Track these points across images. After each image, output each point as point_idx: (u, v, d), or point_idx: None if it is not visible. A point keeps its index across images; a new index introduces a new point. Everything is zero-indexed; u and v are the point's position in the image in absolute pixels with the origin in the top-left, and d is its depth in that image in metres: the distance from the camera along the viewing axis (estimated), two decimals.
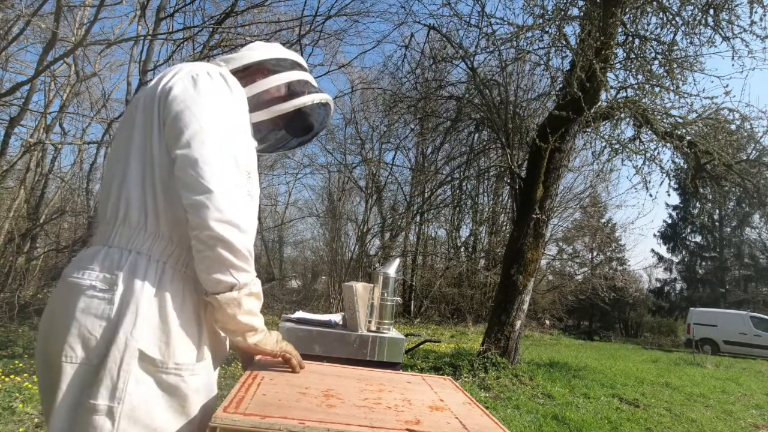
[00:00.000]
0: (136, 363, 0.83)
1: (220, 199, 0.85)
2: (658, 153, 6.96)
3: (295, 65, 1.19)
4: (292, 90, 1.16)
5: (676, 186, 11.33)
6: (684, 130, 6.87)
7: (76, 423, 0.81)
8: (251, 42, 1.23)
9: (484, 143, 11.36)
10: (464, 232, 18.78)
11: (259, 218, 17.23)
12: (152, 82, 1.00)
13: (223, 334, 1.03)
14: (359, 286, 1.81)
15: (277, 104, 1.12)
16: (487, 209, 18.47)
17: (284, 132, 1.21)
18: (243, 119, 0.99)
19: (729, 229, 26.25)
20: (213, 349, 0.99)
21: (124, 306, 0.85)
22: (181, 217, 0.90)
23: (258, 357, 1.16)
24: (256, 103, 1.10)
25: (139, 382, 0.83)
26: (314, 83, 1.22)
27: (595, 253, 22.00)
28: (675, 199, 26.36)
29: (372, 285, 1.89)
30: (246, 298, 0.91)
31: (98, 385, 0.81)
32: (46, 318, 0.91)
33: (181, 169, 0.87)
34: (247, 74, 1.11)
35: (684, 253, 27.62)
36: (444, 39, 8.02)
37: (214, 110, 0.92)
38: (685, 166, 7.76)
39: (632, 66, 6.13)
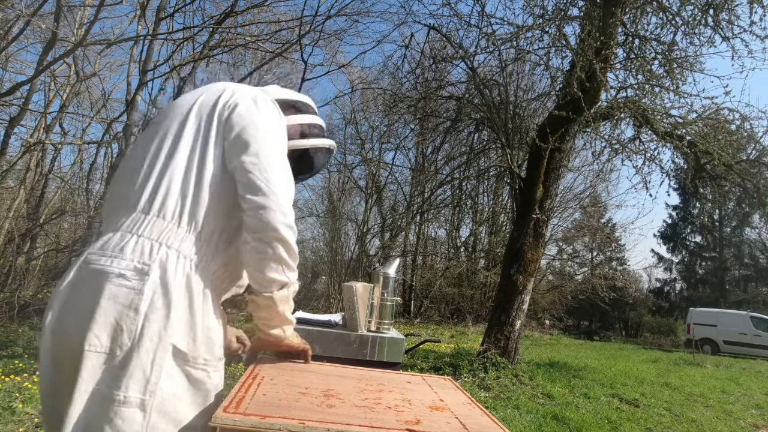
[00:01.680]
0: (170, 357, 0.84)
1: (285, 204, 0.95)
2: (658, 153, 6.97)
3: (312, 110, 1.32)
4: (306, 132, 1.27)
5: (676, 186, 11.35)
6: (684, 130, 6.87)
7: (100, 413, 0.79)
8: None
9: (484, 143, 11.37)
10: (464, 232, 18.82)
11: None
12: (204, 95, 1.06)
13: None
14: (359, 286, 1.81)
15: (294, 140, 1.22)
16: (487, 209, 18.49)
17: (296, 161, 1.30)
18: (285, 141, 1.10)
19: (729, 229, 26.27)
20: (226, 347, 1.04)
21: (157, 299, 0.85)
22: (217, 221, 0.96)
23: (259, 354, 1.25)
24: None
25: (170, 376, 0.84)
26: (324, 129, 1.34)
27: (595, 253, 22.02)
28: (675, 199, 26.40)
29: (372, 285, 1.89)
30: (292, 296, 1.01)
31: (128, 377, 0.80)
32: (62, 305, 0.87)
33: (247, 174, 0.94)
34: (281, 107, 1.19)
35: (684, 253, 27.63)
36: (444, 39, 8.02)
37: (274, 129, 1.03)
38: (685, 166, 7.76)
39: (632, 66, 6.13)
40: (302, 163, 1.26)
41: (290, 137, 1.19)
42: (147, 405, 0.81)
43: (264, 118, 1.02)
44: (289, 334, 1.09)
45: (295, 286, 0.99)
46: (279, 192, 0.94)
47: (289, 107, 1.23)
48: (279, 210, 0.93)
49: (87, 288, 0.86)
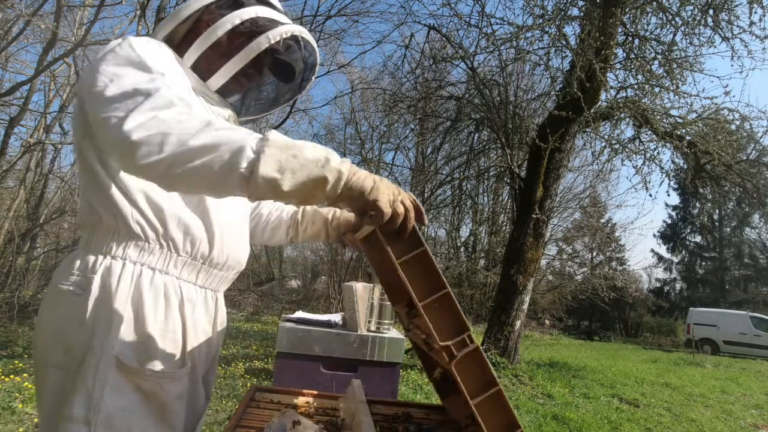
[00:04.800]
0: (113, 370, 0.80)
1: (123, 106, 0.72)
2: (658, 153, 6.97)
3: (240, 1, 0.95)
4: (243, 33, 0.92)
5: (675, 186, 11.37)
6: (684, 130, 6.87)
7: (51, 429, 0.79)
8: None
9: (484, 143, 11.38)
10: (464, 232, 18.79)
11: None
12: None
13: (209, 336, 0.98)
14: (359, 286, 1.81)
15: (229, 60, 0.92)
16: (487, 209, 18.47)
17: (262, 89, 1.05)
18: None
19: (729, 229, 26.27)
20: (197, 352, 0.94)
21: (98, 311, 0.81)
22: (158, 217, 0.86)
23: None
24: (209, 67, 0.93)
25: (115, 389, 0.79)
26: (274, 16, 0.96)
27: (594, 253, 22.00)
28: (675, 199, 26.39)
29: (372, 285, 1.89)
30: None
31: (75, 393, 0.78)
32: (36, 323, 0.89)
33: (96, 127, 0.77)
34: (188, 38, 0.93)
35: (684, 253, 27.64)
36: (444, 39, 8.02)
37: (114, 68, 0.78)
38: (685, 166, 7.77)
39: (632, 66, 6.14)
40: (271, 75, 1.02)
41: (229, 56, 0.92)
42: (91, 421, 0.77)
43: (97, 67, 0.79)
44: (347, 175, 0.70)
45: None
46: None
47: (208, 21, 0.93)
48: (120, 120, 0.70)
49: (51, 306, 0.86)
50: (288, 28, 0.94)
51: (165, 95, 0.72)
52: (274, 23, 0.94)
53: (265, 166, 0.66)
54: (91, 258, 0.85)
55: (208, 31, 0.91)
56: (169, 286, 0.89)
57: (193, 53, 0.91)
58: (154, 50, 0.82)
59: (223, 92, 0.97)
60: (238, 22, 0.91)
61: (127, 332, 0.82)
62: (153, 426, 0.84)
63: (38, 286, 7.61)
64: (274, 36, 0.92)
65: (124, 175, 0.84)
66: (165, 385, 0.85)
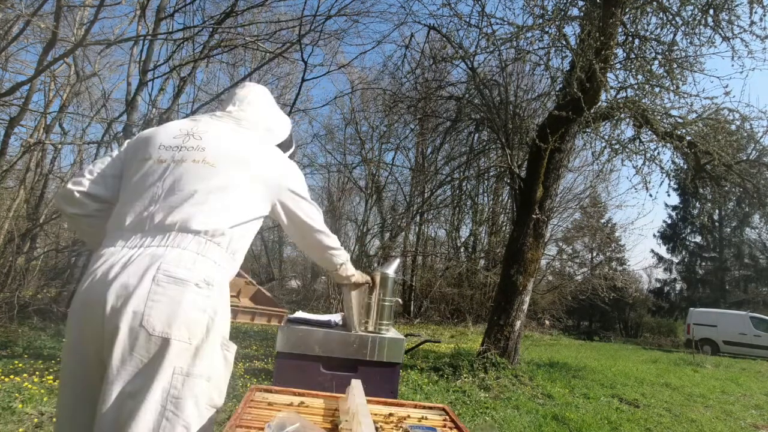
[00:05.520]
0: (221, 344, 1.16)
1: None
2: (658, 153, 6.95)
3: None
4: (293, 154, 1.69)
5: (676, 186, 11.37)
6: (684, 131, 6.87)
7: (180, 385, 1.06)
8: (250, 86, 1.58)
9: (484, 143, 11.37)
10: (464, 232, 18.80)
11: None
12: (245, 147, 1.36)
13: None
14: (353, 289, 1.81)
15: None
16: (486, 209, 18.46)
17: None
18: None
19: (729, 230, 26.26)
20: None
21: (219, 302, 1.16)
22: (242, 238, 1.30)
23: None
24: None
25: (219, 358, 1.15)
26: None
27: (594, 254, 22.00)
28: (675, 200, 26.37)
29: (368, 285, 1.89)
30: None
31: (202, 359, 1.10)
32: (139, 301, 1.07)
33: (311, 231, 1.49)
34: (283, 145, 1.58)
35: (684, 253, 27.63)
36: (444, 39, 8.01)
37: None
38: (685, 167, 7.76)
39: (632, 66, 6.13)
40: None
41: (288, 147, 1.64)
42: (211, 378, 1.11)
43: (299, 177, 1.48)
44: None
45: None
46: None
47: (285, 144, 1.62)
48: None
49: (171, 292, 1.10)
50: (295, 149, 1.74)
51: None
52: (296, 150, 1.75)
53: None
54: (209, 261, 1.19)
55: (288, 153, 1.60)
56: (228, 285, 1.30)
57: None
58: None
59: None
60: (292, 150, 1.69)
61: (227, 318, 1.20)
62: (225, 383, 1.19)
63: (38, 286, 7.61)
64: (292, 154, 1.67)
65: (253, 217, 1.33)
66: (233, 354, 1.20)
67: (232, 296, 1.66)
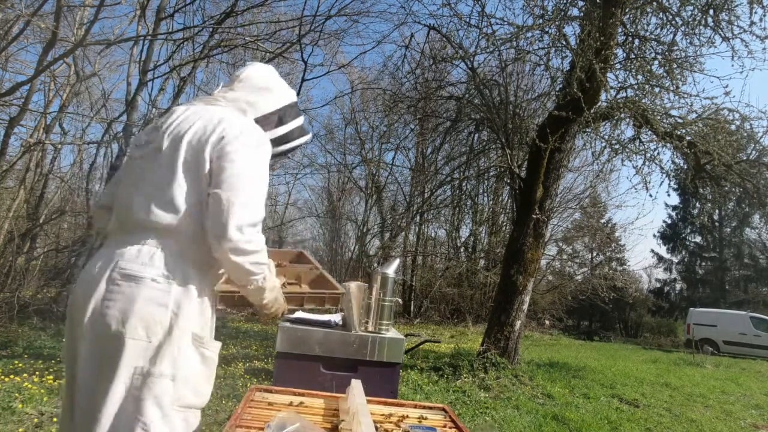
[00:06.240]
0: (189, 341, 1.11)
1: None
2: (658, 153, 6.94)
3: (294, 106, 1.48)
4: (298, 131, 1.49)
5: (675, 186, 11.35)
6: (684, 131, 6.86)
7: (139, 385, 1.03)
8: (252, 65, 1.47)
9: (484, 143, 11.36)
10: (464, 232, 18.79)
11: None
12: (196, 125, 1.22)
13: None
14: (353, 286, 1.81)
15: (285, 144, 1.45)
16: (487, 209, 18.45)
17: (277, 156, 1.50)
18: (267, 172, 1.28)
19: (729, 230, 26.25)
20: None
21: (181, 298, 1.11)
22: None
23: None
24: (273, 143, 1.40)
25: (190, 355, 1.11)
26: (305, 123, 1.54)
27: (594, 254, 21.99)
28: (675, 200, 26.32)
29: (366, 284, 1.89)
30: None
31: (163, 357, 1.06)
32: (100, 301, 1.08)
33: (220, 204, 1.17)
34: (265, 121, 1.38)
35: (684, 253, 27.62)
36: (444, 39, 8.01)
37: (252, 167, 1.20)
38: (685, 167, 7.76)
39: (632, 66, 6.13)
40: (287, 151, 1.50)
41: (282, 140, 1.43)
42: (176, 377, 1.07)
43: (244, 157, 1.18)
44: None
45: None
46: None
47: (278, 118, 1.42)
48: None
49: (126, 288, 1.08)
50: (309, 137, 1.53)
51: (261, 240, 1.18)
52: (305, 130, 1.51)
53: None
54: (170, 254, 1.13)
55: (281, 128, 1.42)
56: (213, 284, 1.26)
57: (269, 136, 1.37)
58: (268, 164, 1.27)
59: None
60: (294, 127, 1.45)
61: (198, 314, 1.15)
62: (206, 382, 1.17)
63: (38, 286, 7.60)
64: (302, 141, 1.50)
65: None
66: (215, 352, 1.19)
67: (291, 284, 1.61)
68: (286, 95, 1.45)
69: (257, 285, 1.19)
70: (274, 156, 1.42)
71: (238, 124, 1.22)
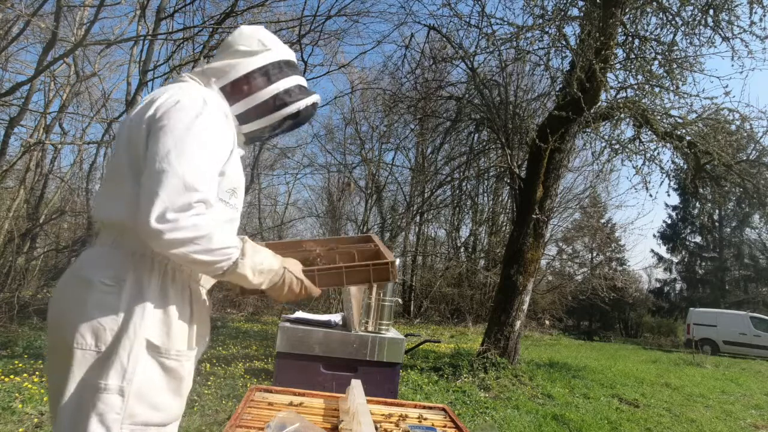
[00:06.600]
0: (144, 350, 0.97)
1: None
2: (658, 153, 6.94)
3: (281, 66, 1.20)
4: (281, 100, 1.18)
5: (675, 186, 11.33)
6: (684, 131, 6.87)
7: (86, 400, 0.93)
8: (237, 29, 1.23)
9: (484, 143, 11.38)
10: (464, 232, 18.81)
11: (259, 219, 17.26)
12: (140, 108, 1.07)
13: (207, 326, 1.17)
14: (353, 286, 1.81)
15: (269, 114, 1.18)
16: (486, 209, 18.48)
17: (274, 131, 1.26)
18: (220, 144, 1.04)
19: (729, 230, 26.24)
20: (200, 339, 1.12)
21: (133, 301, 0.97)
22: None
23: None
24: (246, 118, 1.17)
25: (145, 365, 0.97)
26: (303, 82, 1.24)
27: (594, 254, 21.98)
28: (675, 200, 26.31)
29: (366, 285, 1.89)
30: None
31: (109, 368, 0.94)
32: (56, 308, 1.01)
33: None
34: (235, 89, 1.16)
35: (684, 253, 27.60)
36: (444, 39, 8.02)
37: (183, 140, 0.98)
38: (685, 167, 7.75)
39: (632, 66, 6.13)
40: (288, 125, 1.24)
41: (266, 110, 1.17)
42: (125, 391, 0.94)
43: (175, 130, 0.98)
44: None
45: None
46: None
47: (253, 81, 1.17)
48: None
49: (76, 294, 0.99)
50: (311, 99, 1.22)
51: (205, 220, 0.95)
52: (302, 93, 1.21)
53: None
54: (122, 255, 1.01)
55: (256, 95, 1.16)
56: (185, 282, 1.07)
57: (240, 108, 1.16)
58: (218, 135, 1.04)
59: (249, 133, 1.22)
60: (280, 90, 1.18)
61: (156, 319, 0.99)
62: (170, 396, 1.02)
63: (38, 286, 7.61)
64: (301, 106, 1.20)
65: None
66: (184, 362, 1.03)
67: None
68: (272, 54, 1.19)
69: (227, 272, 0.98)
70: (275, 129, 1.23)
71: (178, 95, 1.02)
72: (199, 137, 0.98)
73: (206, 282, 1.16)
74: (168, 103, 1.01)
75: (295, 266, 1.12)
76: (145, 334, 0.96)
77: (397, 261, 1.52)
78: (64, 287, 1.03)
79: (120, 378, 0.93)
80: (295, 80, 1.21)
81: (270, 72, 1.18)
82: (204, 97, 1.04)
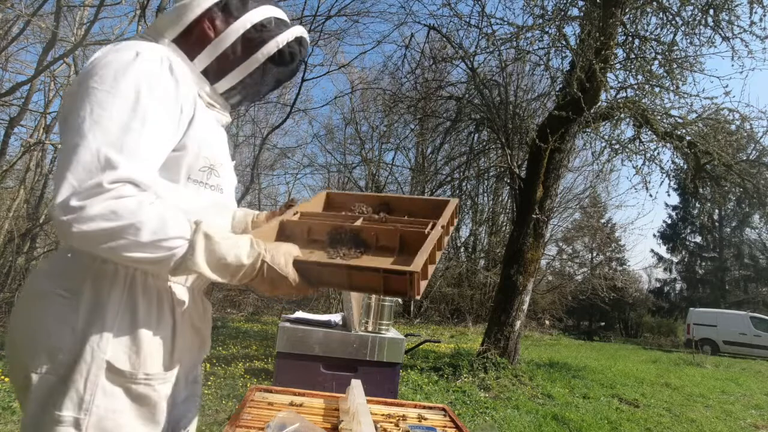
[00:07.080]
0: (104, 374, 0.80)
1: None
2: (658, 153, 6.95)
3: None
4: (253, 39, 0.95)
5: (675, 186, 11.34)
6: (684, 131, 6.87)
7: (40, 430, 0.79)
8: None
9: (484, 143, 11.39)
10: (464, 232, 18.80)
11: None
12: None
13: (201, 335, 1.00)
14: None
15: (243, 61, 0.95)
16: (486, 209, 18.48)
17: (259, 83, 1.03)
18: (162, 107, 0.81)
19: (729, 230, 26.26)
20: (187, 353, 0.95)
21: (91, 316, 0.81)
22: None
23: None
24: (218, 71, 0.95)
25: (106, 393, 0.80)
26: (280, 14, 0.99)
27: (594, 254, 21.99)
28: (675, 200, 26.33)
29: None
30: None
31: (64, 397, 0.78)
32: (12, 325, 0.87)
33: None
34: (192, 38, 0.93)
35: (684, 253, 27.62)
36: (444, 39, 8.02)
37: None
38: (685, 167, 7.76)
39: (632, 66, 6.13)
40: (272, 74, 1.02)
41: (236, 61, 0.95)
42: (82, 423, 0.78)
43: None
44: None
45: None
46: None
47: (211, 22, 0.93)
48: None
49: (31, 308, 0.84)
50: (293, 32, 0.98)
51: (130, 199, 0.73)
52: (279, 27, 0.98)
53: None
54: (80, 261, 0.84)
55: (219, 39, 0.93)
56: (162, 290, 0.89)
57: (205, 59, 0.93)
58: (157, 95, 0.81)
59: (228, 91, 1.00)
60: (249, 27, 0.94)
61: (120, 337, 0.82)
62: (142, 426, 0.85)
63: None
64: (281, 42, 0.97)
65: None
66: (157, 387, 0.86)
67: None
68: None
69: (178, 269, 0.78)
70: (259, 83, 1.01)
71: (106, 52, 0.83)
72: (126, 100, 0.77)
73: (198, 282, 0.97)
74: (91, 63, 0.81)
75: (282, 256, 0.86)
76: (106, 356, 0.79)
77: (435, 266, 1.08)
78: (21, 299, 0.88)
79: (76, 409, 0.78)
80: (267, 11, 0.96)
81: (231, 5, 0.94)
82: (138, 50, 0.82)
